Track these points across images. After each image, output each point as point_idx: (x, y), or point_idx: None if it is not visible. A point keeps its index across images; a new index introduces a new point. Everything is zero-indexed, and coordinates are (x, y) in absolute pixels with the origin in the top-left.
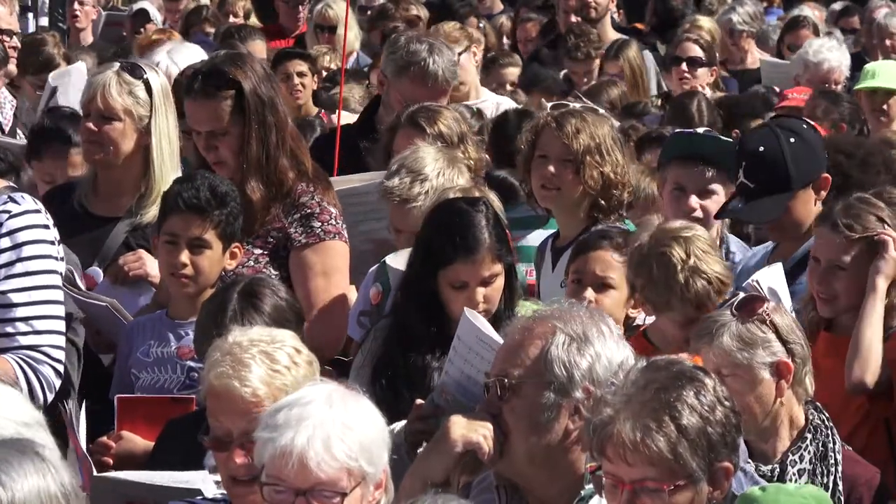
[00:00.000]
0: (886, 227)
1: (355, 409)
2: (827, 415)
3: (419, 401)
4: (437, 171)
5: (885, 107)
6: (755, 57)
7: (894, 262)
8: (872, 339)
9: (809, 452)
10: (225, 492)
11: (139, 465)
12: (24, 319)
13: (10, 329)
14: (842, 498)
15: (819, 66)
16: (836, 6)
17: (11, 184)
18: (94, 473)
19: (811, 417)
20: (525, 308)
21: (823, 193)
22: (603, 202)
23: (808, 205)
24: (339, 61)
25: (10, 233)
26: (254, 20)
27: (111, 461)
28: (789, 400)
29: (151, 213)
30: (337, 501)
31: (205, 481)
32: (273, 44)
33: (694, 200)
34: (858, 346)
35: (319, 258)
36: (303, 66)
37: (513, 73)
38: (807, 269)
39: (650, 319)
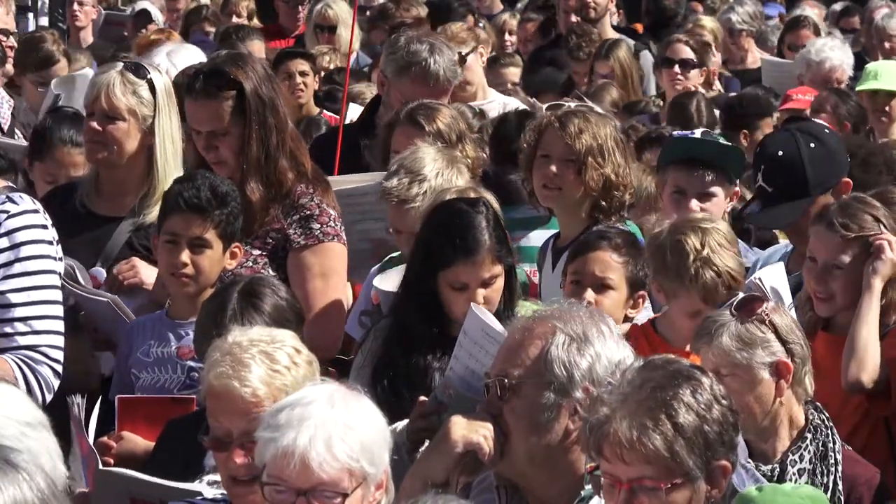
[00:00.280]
0: (883, 227)
1: (357, 409)
2: (827, 415)
3: (422, 398)
4: (436, 172)
5: (886, 108)
6: (755, 56)
7: (891, 263)
8: (869, 339)
9: (809, 452)
10: (224, 492)
11: (140, 465)
12: (23, 319)
13: (8, 329)
14: (842, 498)
15: (821, 65)
16: (837, 6)
17: (10, 184)
18: (100, 467)
19: (811, 417)
20: (525, 308)
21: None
22: (604, 203)
23: None
24: (339, 61)
25: (9, 233)
26: (255, 20)
27: (112, 461)
28: (789, 400)
29: (154, 212)
30: (338, 502)
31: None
32: (273, 44)
33: (694, 204)
34: (855, 346)
35: (318, 259)
36: (305, 66)
37: (513, 73)
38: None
39: (648, 314)
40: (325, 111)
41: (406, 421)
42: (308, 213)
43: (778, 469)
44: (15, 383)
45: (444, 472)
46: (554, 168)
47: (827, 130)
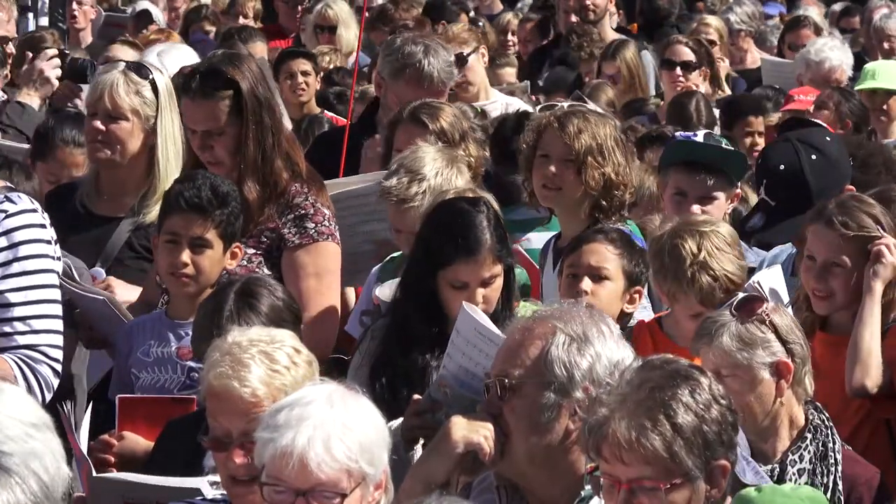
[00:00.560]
0: (881, 227)
1: (356, 409)
2: (827, 415)
3: (416, 396)
4: (436, 171)
5: (885, 107)
6: (755, 57)
7: (891, 266)
8: (871, 343)
9: (809, 452)
10: (224, 492)
11: (140, 465)
12: (22, 319)
13: (7, 329)
14: (842, 498)
15: (821, 65)
16: (837, 6)
17: (8, 184)
18: (93, 474)
19: (811, 417)
20: (525, 308)
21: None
22: (604, 202)
23: None
24: (339, 62)
25: (7, 232)
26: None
27: (112, 459)
28: (789, 400)
29: (154, 212)
30: (337, 502)
31: (203, 484)
32: (273, 44)
33: (696, 207)
34: (858, 351)
35: (312, 259)
36: (307, 66)
37: (510, 73)
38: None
39: (646, 313)
40: (326, 111)
41: (401, 419)
42: (303, 212)
43: (778, 469)
44: (14, 383)
45: (445, 473)
46: (553, 168)
47: (828, 138)
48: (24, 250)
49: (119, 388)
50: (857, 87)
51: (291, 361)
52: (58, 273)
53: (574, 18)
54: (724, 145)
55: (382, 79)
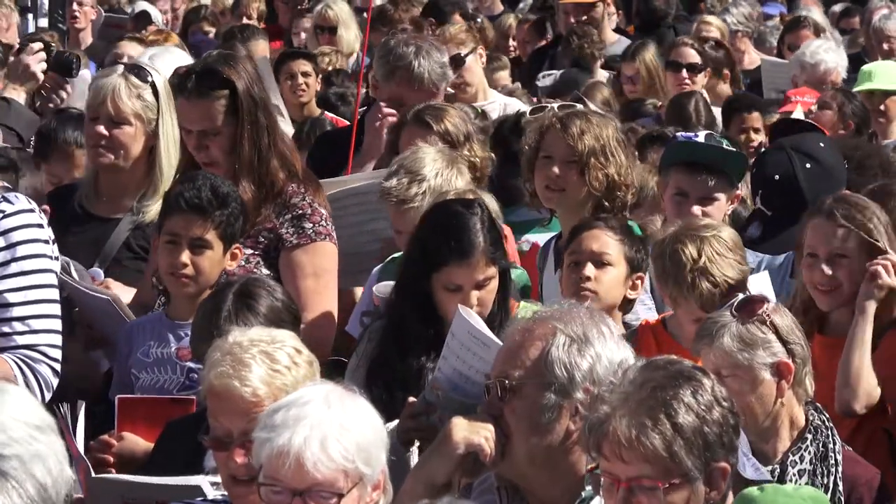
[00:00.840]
0: (878, 223)
1: (353, 410)
2: (827, 415)
3: (411, 399)
4: (436, 172)
5: (882, 108)
6: (752, 58)
7: (888, 287)
8: (861, 366)
9: (810, 453)
10: (225, 492)
11: (139, 466)
12: (21, 319)
13: (6, 329)
14: (842, 498)
15: (816, 67)
16: (837, 7)
17: (6, 184)
18: (92, 475)
19: (811, 418)
20: (526, 309)
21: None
22: (607, 203)
23: None
24: (340, 63)
25: (5, 232)
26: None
27: (111, 459)
28: (790, 400)
29: (153, 211)
30: (334, 502)
31: (204, 483)
32: (273, 44)
33: (696, 209)
34: (847, 374)
35: (310, 259)
36: (307, 66)
37: (504, 76)
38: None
39: (650, 314)
40: (327, 112)
41: (396, 421)
42: (300, 212)
43: (778, 470)
44: (14, 382)
45: (446, 474)
46: (556, 169)
47: (822, 144)
48: (21, 250)
49: (119, 388)
50: (855, 89)
51: (292, 361)
52: (56, 273)
53: (573, 19)
54: (725, 146)
55: (376, 80)
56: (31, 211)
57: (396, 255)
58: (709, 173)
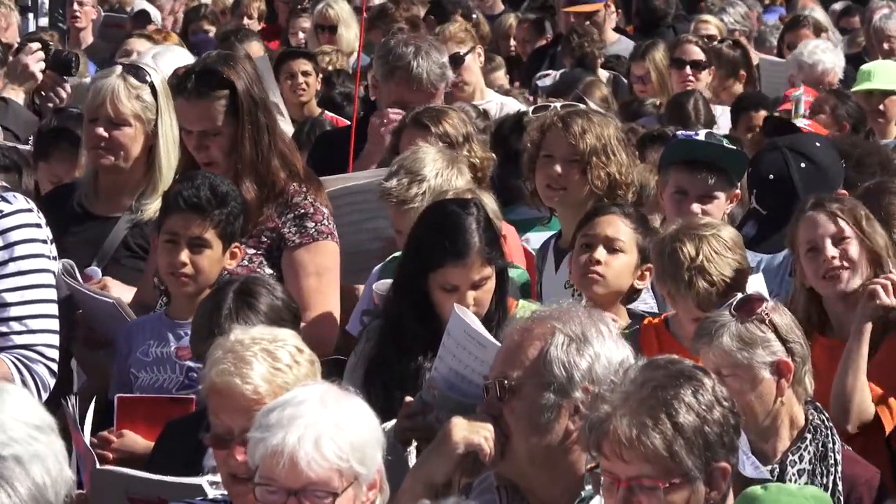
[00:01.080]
0: (869, 216)
1: (349, 409)
2: (827, 415)
3: (408, 398)
4: (436, 172)
5: (881, 107)
6: (751, 57)
7: (884, 308)
8: (854, 387)
9: (809, 453)
10: (225, 492)
11: (138, 464)
12: (19, 319)
13: (4, 329)
14: (841, 498)
15: (814, 67)
16: (837, 6)
17: (4, 183)
18: (97, 467)
19: (811, 417)
20: (524, 309)
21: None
22: (608, 202)
23: None
24: (341, 62)
25: (2, 232)
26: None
27: (111, 455)
28: (789, 399)
29: (152, 209)
30: (329, 502)
31: (204, 483)
32: (273, 44)
33: (696, 207)
34: (840, 394)
35: (312, 258)
36: (307, 66)
37: (500, 76)
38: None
39: (648, 305)
40: (328, 112)
41: (393, 421)
42: (302, 211)
43: (778, 469)
44: (12, 382)
45: (445, 473)
46: (558, 168)
47: (818, 144)
48: (19, 250)
49: (118, 388)
50: (853, 89)
51: (294, 360)
52: (54, 273)
53: (574, 18)
54: (725, 144)
55: (376, 80)
56: (30, 211)
57: (397, 254)
58: (708, 171)
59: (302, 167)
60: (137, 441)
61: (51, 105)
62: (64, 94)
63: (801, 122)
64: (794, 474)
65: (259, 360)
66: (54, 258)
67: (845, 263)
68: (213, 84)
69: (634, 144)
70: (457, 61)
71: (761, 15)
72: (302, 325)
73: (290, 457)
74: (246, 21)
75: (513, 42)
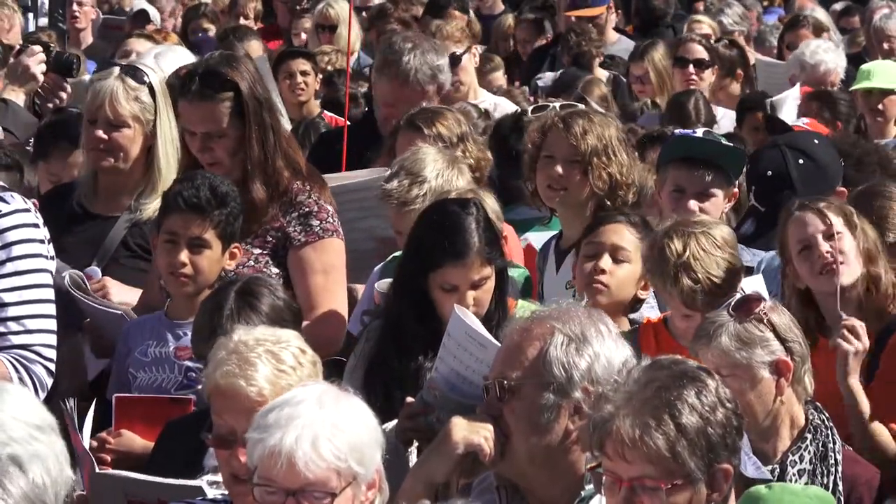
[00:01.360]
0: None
1: (347, 409)
2: (827, 415)
3: (409, 399)
4: (436, 173)
5: (880, 106)
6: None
7: (857, 352)
8: (876, 446)
9: (809, 452)
10: (225, 492)
11: (136, 463)
12: (16, 319)
13: (1, 328)
14: (842, 498)
15: (816, 67)
16: (837, 6)
17: (2, 183)
18: (96, 470)
19: (811, 417)
20: (524, 309)
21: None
22: (608, 202)
23: None
24: (341, 63)
25: (0, 232)
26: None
27: (109, 457)
28: (789, 399)
29: (151, 208)
30: (327, 502)
31: (204, 483)
32: (272, 44)
33: (693, 204)
34: (870, 451)
35: (318, 256)
36: (306, 65)
37: (498, 76)
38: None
39: (653, 312)
40: (326, 112)
41: (394, 422)
42: (307, 210)
43: (778, 469)
44: (10, 382)
45: (445, 473)
46: (559, 168)
47: (816, 141)
48: (17, 250)
49: (117, 387)
50: (853, 88)
51: (297, 362)
52: (51, 273)
53: (574, 17)
54: (722, 141)
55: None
56: (27, 211)
57: (397, 253)
58: (706, 168)
59: (305, 165)
60: (135, 441)
61: (51, 106)
62: (64, 96)
63: (799, 122)
64: (794, 474)
65: (263, 361)
66: (52, 258)
67: (839, 258)
68: (216, 86)
69: (634, 145)
70: (454, 61)
71: (761, 15)
72: (310, 323)
73: (287, 457)
74: (242, 21)
75: (512, 42)
